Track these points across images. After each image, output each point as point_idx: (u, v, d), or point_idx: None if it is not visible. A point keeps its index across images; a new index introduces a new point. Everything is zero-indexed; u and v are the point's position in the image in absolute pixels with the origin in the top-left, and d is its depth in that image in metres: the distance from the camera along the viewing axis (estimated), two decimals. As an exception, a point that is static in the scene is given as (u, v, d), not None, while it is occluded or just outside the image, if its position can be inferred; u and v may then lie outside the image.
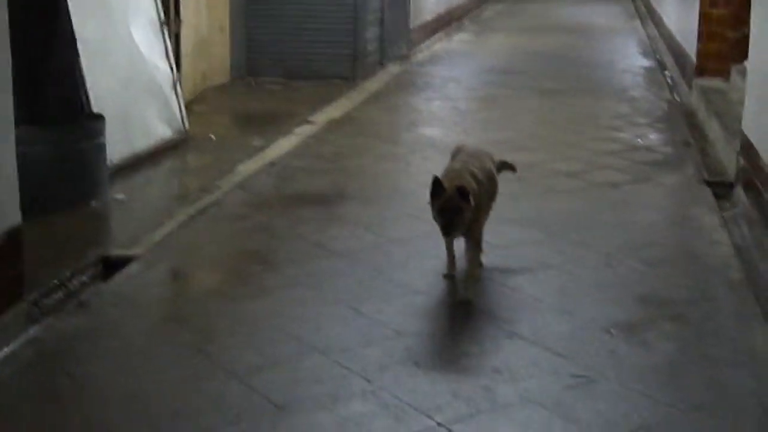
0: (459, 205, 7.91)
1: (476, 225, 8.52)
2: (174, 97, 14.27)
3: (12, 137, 8.01)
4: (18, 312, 8.03)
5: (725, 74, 16.26)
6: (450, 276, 8.76)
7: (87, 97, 11.85)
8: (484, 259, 9.18)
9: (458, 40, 28.09)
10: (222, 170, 12.73)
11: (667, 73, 21.19)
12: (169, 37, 14.71)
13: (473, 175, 8.39)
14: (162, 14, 14.37)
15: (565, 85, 20.32)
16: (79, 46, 12.00)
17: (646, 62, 23.68)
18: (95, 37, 12.31)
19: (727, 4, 16.79)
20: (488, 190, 8.78)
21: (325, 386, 7.01)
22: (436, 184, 7.94)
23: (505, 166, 9.66)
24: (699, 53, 17.46)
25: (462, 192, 7.92)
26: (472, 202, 8.00)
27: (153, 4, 14.12)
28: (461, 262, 8.80)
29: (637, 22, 31.90)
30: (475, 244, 8.70)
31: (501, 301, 8.65)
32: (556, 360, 7.50)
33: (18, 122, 8.30)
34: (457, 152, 9.24)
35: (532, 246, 10.18)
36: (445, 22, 29.27)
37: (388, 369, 7.29)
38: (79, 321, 8.38)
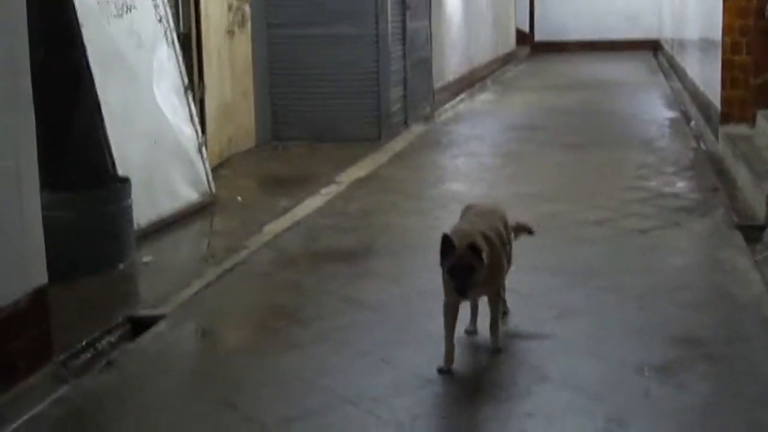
0: (471, 263, 7.43)
1: (493, 287, 8.14)
2: (200, 160, 14.25)
3: (37, 199, 7.98)
4: (46, 373, 7.97)
5: (750, 120, 16.18)
6: (446, 371, 7.79)
7: (112, 161, 11.81)
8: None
9: (481, 100, 28.07)
10: (249, 231, 12.67)
11: (692, 123, 21.10)
12: (194, 102, 14.67)
13: (483, 235, 7.89)
14: (186, 79, 14.35)
15: (589, 139, 20.26)
16: (103, 110, 11.87)
17: (670, 114, 23.58)
18: (119, 102, 12.32)
19: (750, 52, 16.73)
20: (503, 248, 8.31)
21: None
22: (446, 241, 7.51)
23: (521, 229, 9.19)
24: (723, 101, 17.40)
25: (474, 249, 7.48)
26: (485, 260, 7.53)
27: (176, 69, 14.13)
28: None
29: (660, 77, 31.82)
30: (495, 298, 8.27)
31: (531, 346, 8.51)
32: (590, 403, 7.38)
33: (44, 187, 8.32)
34: (466, 211, 8.86)
35: (560, 292, 10.06)
36: (468, 83, 29.27)
37: (420, 418, 7.23)
38: (107, 380, 8.33)
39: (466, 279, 7.38)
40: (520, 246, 9.46)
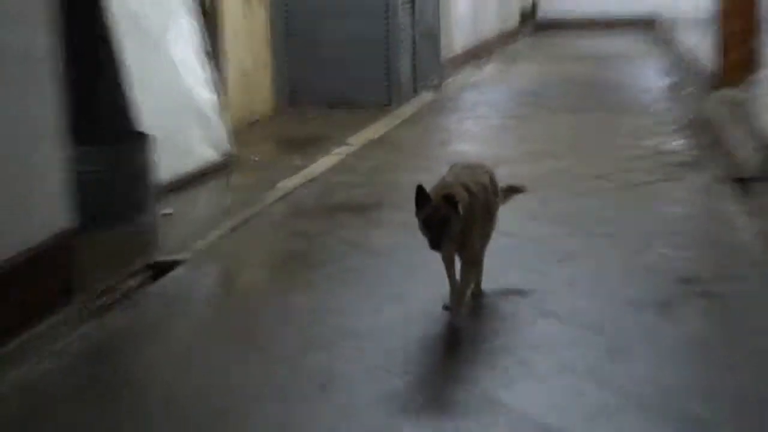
0: (446, 214, 6.87)
1: (470, 241, 7.44)
2: (220, 123, 14.19)
3: (59, 152, 7.99)
4: (71, 311, 7.99)
5: (743, 84, 16.10)
6: (448, 307, 7.56)
7: (133, 118, 11.80)
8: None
9: (489, 70, 28.05)
10: (263, 186, 12.58)
11: (686, 91, 20.94)
12: (215, 69, 14.64)
13: (465, 187, 7.31)
14: (206, 42, 14.30)
15: (587, 104, 20.26)
16: (129, 72, 11.90)
17: (665, 81, 23.48)
18: (140, 65, 12.27)
19: (744, 14, 16.66)
20: (484, 204, 7.63)
21: (363, 365, 6.97)
22: (420, 193, 7.01)
23: (512, 190, 8.61)
24: (717, 66, 17.36)
25: (449, 200, 6.91)
26: (461, 212, 6.97)
27: (195, 32, 14.08)
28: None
29: (658, 50, 31.69)
30: (469, 264, 7.59)
31: (532, 282, 8.49)
32: (592, 336, 7.42)
33: (74, 142, 8.45)
34: (452, 168, 8.19)
35: (563, 238, 10.10)
36: (475, 55, 29.20)
37: (426, 347, 7.33)
38: (128, 318, 8.35)
39: (440, 231, 6.89)
40: (526, 198, 9.55)
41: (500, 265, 8.73)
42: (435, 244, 6.97)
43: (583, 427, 5.90)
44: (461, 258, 7.52)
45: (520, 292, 8.29)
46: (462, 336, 7.44)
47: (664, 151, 14.62)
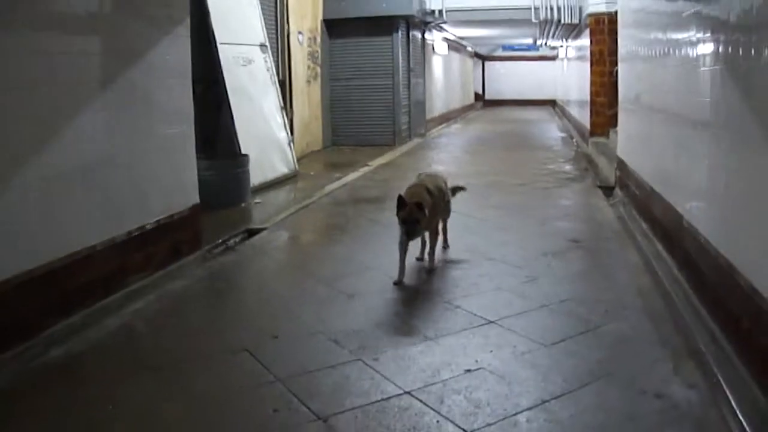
0: (417, 217, 6.90)
1: (432, 222, 7.47)
2: (290, 151, 14.24)
3: (194, 151, 8.02)
4: (198, 255, 8.00)
5: (606, 134, 16.16)
6: (399, 282, 7.08)
7: (239, 145, 11.92)
8: (444, 254, 8.13)
9: (454, 127, 28.21)
10: (316, 188, 12.64)
11: (573, 139, 21.05)
12: (287, 118, 14.67)
13: (427, 190, 7.37)
14: (282, 102, 14.35)
15: (514, 146, 20.43)
16: (235, 118, 12.13)
17: (561, 134, 23.63)
18: (245, 115, 12.44)
19: (605, 95, 16.79)
20: (441, 199, 7.70)
21: (375, 286, 6.98)
22: (400, 200, 7.02)
23: (457, 189, 8.58)
24: (591, 124, 17.45)
25: (419, 206, 6.92)
26: (427, 214, 7.02)
27: (277, 96, 14.16)
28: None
29: (556, 118, 31.81)
30: (433, 234, 7.62)
31: (481, 242, 8.53)
32: (516, 270, 7.43)
33: (201, 159, 8.42)
34: (419, 175, 8.21)
35: (500, 217, 10.11)
36: (446, 119, 29.27)
37: (415, 275, 7.30)
38: (232, 258, 8.39)
39: (413, 227, 6.95)
40: (481, 195, 10.55)
41: (461, 232, 8.74)
42: (409, 236, 7.02)
43: (510, 321, 5.91)
44: (428, 231, 7.53)
45: (473, 248, 8.28)
46: (436, 271, 7.40)
47: (559, 171, 14.67)
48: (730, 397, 4.29)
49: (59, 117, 5.82)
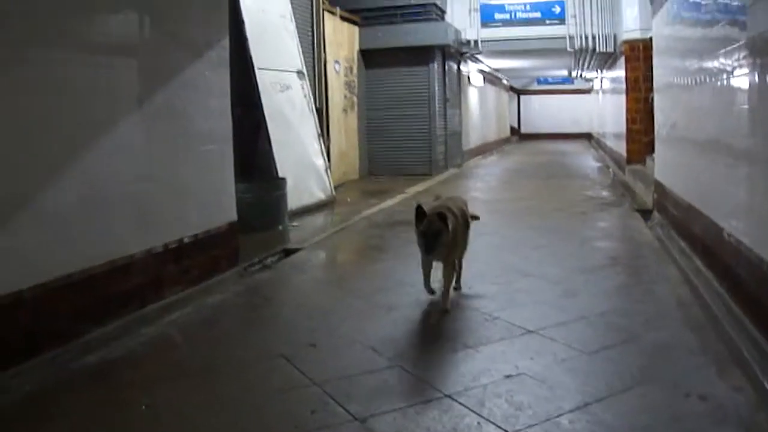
0: (439, 227, 6.22)
1: (454, 251, 6.71)
2: (327, 178, 14.26)
3: (231, 170, 8.10)
4: (235, 271, 8.04)
5: (643, 161, 16.05)
6: (432, 292, 6.77)
7: (276, 170, 11.94)
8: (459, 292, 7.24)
9: (491, 159, 28.10)
10: (353, 213, 12.63)
11: (609, 169, 20.94)
12: (324, 147, 14.70)
13: (449, 210, 6.60)
14: (319, 130, 14.38)
15: (551, 175, 20.24)
16: (273, 142, 12.19)
17: (597, 164, 23.53)
18: (284, 140, 12.47)
19: (641, 122, 16.71)
20: (461, 224, 6.84)
21: (413, 299, 6.91)
22: (419, 210, 6.35)
23: (473, 218, 7.49)
24: (627, 151, 17.33)
25: (441, 217, 6.28)
26: (450, 226, 6.34)
27: (314, 124, 14.18)
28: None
29: (592, 150, 31.68)
30: (450, 269, 6.69)
31: (518, 260, 8.45)
32: (554, 286, 7.35)
33: (240, 182, 8.55)
34: (435, 198, 7.52)
35: (536, 238, 9.93)
36: (483, 150, 29.24)
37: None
38: (269, 275, 8.35)
39: (433, 240, 6.20)
40: (518, 218, 10.89)
41: (500, 251, 8.72)
42: (429, 250, 6.30)
43: (550, 330, 5.82)
44: (443, 263, 6.65)
45: (510, 265, 8.21)
46: (473, 284, 7.32)
47: (596, 197, 14.54)
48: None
49: (100, 130, 5.92)
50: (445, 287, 6.64)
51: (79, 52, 5.65)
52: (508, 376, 4.86)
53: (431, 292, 6.78)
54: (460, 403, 4.43)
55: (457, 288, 7.19)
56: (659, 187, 10.81)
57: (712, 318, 5.92)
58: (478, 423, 4.18)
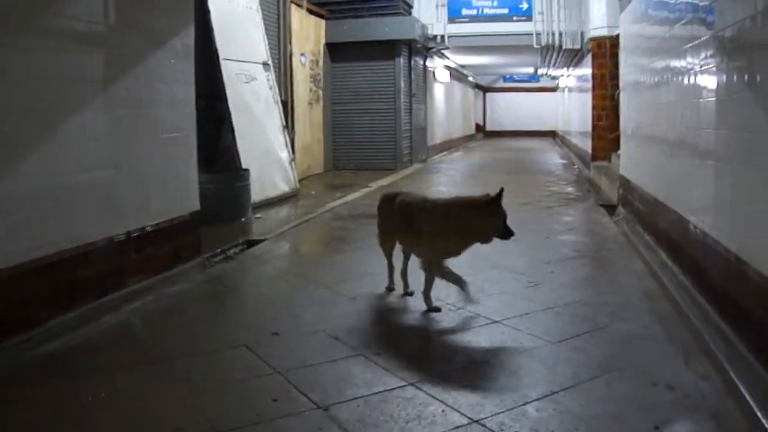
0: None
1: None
2: (291, 170, 14.18)
3: (194, 158, 7.98)
4: (197, 262, 7.92)
5: (608, 158, 16.14)
6: (391, 288, 6.72)
7: (240, 161, 11.85)
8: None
9: (456, 154, 28.12)
10: (317, 205, 12.56)
11: (575, 166, 21.03)
12: (289, 139, 14.62)
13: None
14: (284, 123, 14.30)
15: (517, 170, 20.30)
16: (237, 134, 12.09)
17: (562, 161, 23.62)
18: (246, 129, 12.38)
19: (607, 119, 16.79)
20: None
21: (377, 290, 6.87)
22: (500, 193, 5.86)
23: None
24: (593, 148, 17.40)
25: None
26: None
27: (279, 116, 14.11)
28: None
29: (557, 147, 31.85)
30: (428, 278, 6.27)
31: (486, 253, 8.30)
32: (520, 276, 7.37)
33: (203, 173, 8.52)
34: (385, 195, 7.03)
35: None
36: (447, 147, 29.29)
37: (419, 282, 6.96)
38: (232, 265, 8.29)
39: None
40: None
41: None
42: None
43: (515, 321, 5.80)
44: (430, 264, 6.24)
45: (477, 256, 8.12)
46: (436, 283, 7.27)
47: (561, 192, 14.63)
48: (744, 388, 4.15)
49: (63, 117, 5.81)
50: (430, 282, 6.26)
51: (42, 38, 5.53)
52: (473, 364, 4.82)
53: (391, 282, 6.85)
54: (425, 391, 4.38)
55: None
56: (624, 183, 10.83)
57: (678, 309, 5.92)
58: (443, 411, 4.12)
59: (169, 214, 7.41)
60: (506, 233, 5.95)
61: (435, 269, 6.12)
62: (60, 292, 5.70)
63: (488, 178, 18.53)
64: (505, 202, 6.19)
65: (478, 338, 5.42)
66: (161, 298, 6.69)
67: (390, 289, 6.78)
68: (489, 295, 6.63)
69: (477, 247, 8.47)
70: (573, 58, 22.89)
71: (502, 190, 5.88)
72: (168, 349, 5.32)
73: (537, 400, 4.23)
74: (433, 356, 5.04)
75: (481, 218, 5.92)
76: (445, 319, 5.91)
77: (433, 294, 6.26)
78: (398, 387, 4.46)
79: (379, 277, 7.08)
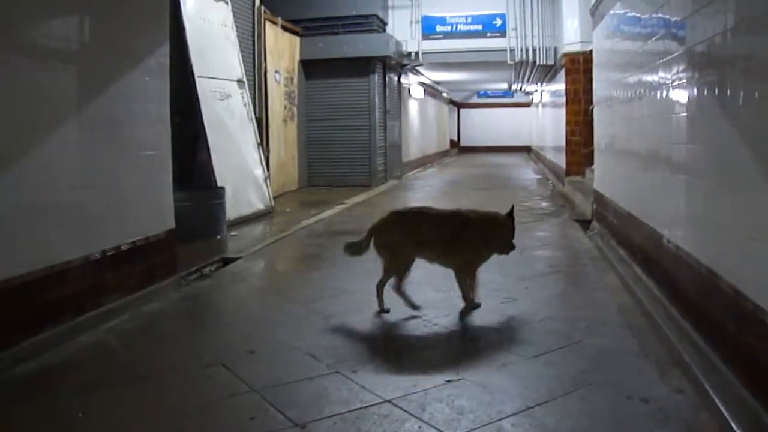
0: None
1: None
2: (266, 188, 14.17)
3: (170, 178, 7.98)
4: (172, 280, 7.90)
5: (582, 173, 16.23)
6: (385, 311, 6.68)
7: (215, 179, 11.82)
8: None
9: (430, 170, 28.26)
10: (293, 223, 12.58)
11: (549, 181, 21.14)
12: (264, 156, 14.61)
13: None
14: (259, 140, 14.29)
15: (491, 186, 20.35)
16: (212, 151, 12.04)
17: (537, 176, 23.72)
18: (221, 147, 12.33)
19: (581, 134, 16.89)
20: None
21: (352, 307, 6.89)
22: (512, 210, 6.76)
23: None
24: (567, 163, 17.50)
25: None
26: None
27: (254, 133, 14.11)
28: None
29: (531, 162, 32.00)
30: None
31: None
32: (495, 292, 7.36)
33: (179, 190, 8.47)
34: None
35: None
36: (422, 163, 29.38)
37: (394, 299, 6.96)
38: (208, 283, 8.28)
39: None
40: None
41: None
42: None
43: (492, 335, 5.83)
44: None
45: (451, 273, 8.16)
46: (415, 295, 7.28)
47: (536, 207, 14.70)
48: (718, 400, 4.20)
49: (38, 136, 5.79)
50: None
51: (15, 56, 5.51)
52: (449, 381, 4.83)
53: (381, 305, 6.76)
54: (401, 408, 4.39)
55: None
56: (599, 198, 10.90)
57: (653, 322, 5.97)
58: (419, 427, 4.14)
59: (145, 232, 7.39)
60: (513, 246, 6.75)
61: (471, 275, 6.74)
62: (35, 312, 5.67)
63: (463, 194, 18.57)
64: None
65: (453, 354, 5.43)
66: (137, 317, 6.67)
67: (386, 311, 6.66)
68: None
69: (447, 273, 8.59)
70: (547, 73, 23.04)
71: (513, 207, 6.81)
72: (145, 367, 5.31)
73: (512, 415, 4.25)
74: (409, 373, 5.04)
75: (507, 231, 6.76)
76: (420, 336, 5.93)
77: (400, 310, 6.47)
78: (375, 404, 4.47)
79: (356, 294, 7.12)
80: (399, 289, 6.62)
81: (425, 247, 6.63)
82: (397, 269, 6.64)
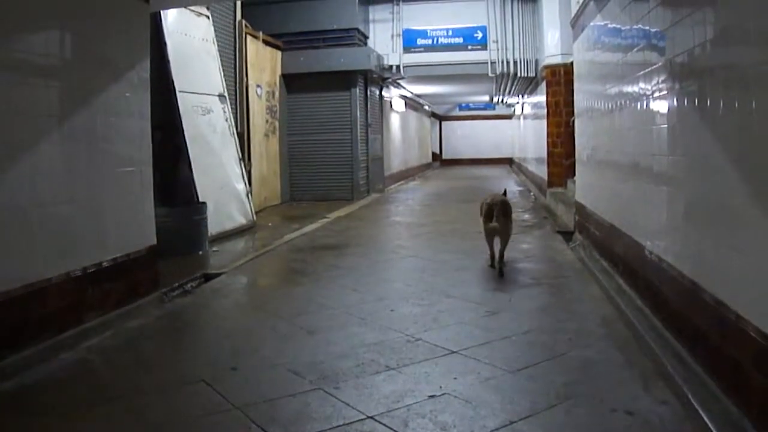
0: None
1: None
2: (248, 202, 14.12)
3: (151, 193, 7.91)
4: (154, 297, 7.85)
5: (564, 185, 16.27)
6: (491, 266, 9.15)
7: (197, 194, 11.78)
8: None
9: (413, 184, 28.28)
10: (275, 237, 12.54)
11: (531, 193, 21.20)
12: (246, 171, 14.57)
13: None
14: (240, 154, 14.25)
15: (473, 198, 19.96)
16: (194, 166, 11.94)
17: (519, 188, 23.76)
18: (202, 162, 12.30)
19: (562, 146, 16.94)
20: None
21: (335, 322, 6.84)
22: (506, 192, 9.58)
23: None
24: (549, 175, 17.54)
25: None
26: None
27: (235, 148, 14.05)
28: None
29: (513, 174, 32.08)
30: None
31: (440, 282, 8.44)
32: (477, 306, 7.32)
33: (160, 206, 8.50)
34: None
35: (459, 260, 10.01)
36: (404, 176, 29.41)
37: (376, 315, 7.02)
38: (189, 300, 8.22)
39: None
40: (440, 240, 11.07)
41: (423, 273, 8.83)
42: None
43: (473, 350, 5.81)
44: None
45: (433, 287, 8.23)
46: (396, 309, 7.29)
47: (518, 220, 14.50)
48: (702, 411, 4.20)
49: (17, 151, 5.74)
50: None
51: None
52: (431, 397, 4.81)
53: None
54: (384, 424, 4.37)
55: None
56: (581, 209, 10.92)
57: (636, 334, 5.97)
58: (403, 443, 4.12)
59: (126, 248, 7.34)
60: None
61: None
62: (16, 330, 5.62)
63: (446, 206, 18.62)
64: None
65: (436, 369, 5.41)
66: (119, 334, 6.62)
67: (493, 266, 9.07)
68: (446, 325, 6.62)
69: (432, 277, 8.59)
70: (528, 85, 23.11)
71: (505, 190, 9.45)
72: (126, 385, 5.27)
73: (496, 429, 4.24)
74: (392, 389, 5.01)
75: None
76: (402, 350, 5.89)
77: (393, 325, 6.24)
78: (357, 420, 4.45)
79: (337, 310, 7.10)
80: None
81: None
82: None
